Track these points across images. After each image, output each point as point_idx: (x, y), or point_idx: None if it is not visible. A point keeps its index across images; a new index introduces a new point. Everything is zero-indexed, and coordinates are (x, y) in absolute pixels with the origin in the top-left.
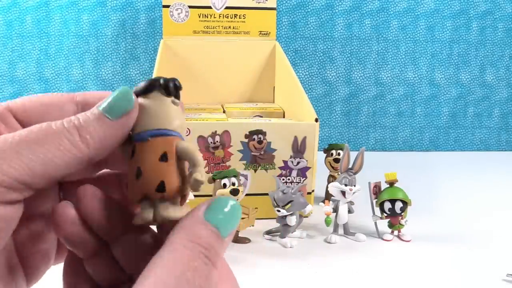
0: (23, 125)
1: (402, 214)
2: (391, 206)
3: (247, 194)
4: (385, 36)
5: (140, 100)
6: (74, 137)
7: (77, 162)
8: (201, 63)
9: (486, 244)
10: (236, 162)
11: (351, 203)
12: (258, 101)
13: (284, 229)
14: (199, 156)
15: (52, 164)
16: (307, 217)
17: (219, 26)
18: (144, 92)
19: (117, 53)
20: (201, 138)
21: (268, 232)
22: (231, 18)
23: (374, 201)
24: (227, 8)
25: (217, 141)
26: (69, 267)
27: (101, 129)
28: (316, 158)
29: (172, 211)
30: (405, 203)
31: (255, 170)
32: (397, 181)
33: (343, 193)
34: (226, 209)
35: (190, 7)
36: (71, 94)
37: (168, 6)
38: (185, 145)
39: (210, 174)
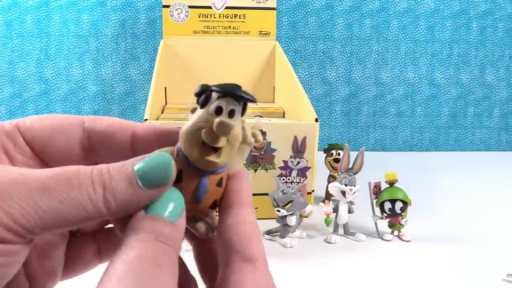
0: (29, 145)
1: (402, 214)
2: (391, 206)
3: None
4: (385, 36)
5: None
6: (97, 196)
7: (89, 220)
8: (201, 63)
9: (486, 244)
10: None
11: (351, 203)
12: (258, 101)
13: (284, 229)
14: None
15: (64, 219)
16: (307, 217)
17: (219, 26)
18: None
19: (117, 53)
20: None
21: (268, 232)
22: (231, 18)
23: (374, 201)
24: (227, 8)
25: None
26: None
27: (127, 193)
28: (316, 158)
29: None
30: (405, 203)
31: (255, 170)
32: (397, 181)
33: (343, 193)
34: (163, 197)
35: (190, 7)
36: (80, 118)
37: (168, 6)
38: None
39: None
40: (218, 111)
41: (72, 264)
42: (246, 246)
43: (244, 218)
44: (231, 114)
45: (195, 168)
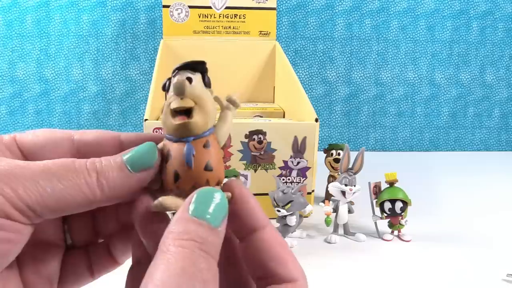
0: (25, 155)
1: (402, 214)
2: (391, 206)
3: None
4: (385, 36)
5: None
6: (92, 179)
7: (87, 204)
8: None
9: (486, 244)
10: (236, 162)
11: (351, 203)
12: (258, 101)
13: (284, 229)
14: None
15: (64, 200)
16: (307, 217)
17: (219, 26)
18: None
19: (117, 53)
20: None
21: None
22: (231, 18)
23: (374, 201)
24: (227, 8)
25: None
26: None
27: (118, 177)
28: (316, 158)
29: None
30: (405, 203)
31: (255, 170)
32: (397, 181)
33: (343, 193)
34: (209, 199)
35: (190, 7)
36: (69, 132)
37: (168, 6)
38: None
39: None
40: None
41: (65, 276)
42: (285, 269)
43: (271, 241)
44: (189, 81)
45: (179, 139)
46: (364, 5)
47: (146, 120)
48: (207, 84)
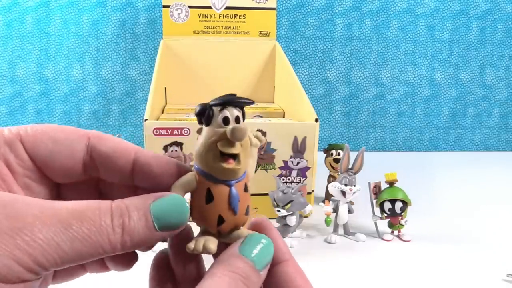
0: (31, 157)
1: (402, 214)
2: (391, 206)
3: None
4: (385, 36)
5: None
6: (116, 237)
7: (102, 256)
8: (201, 63)
9: (486, 244)
10: None
11: (351, 203)
12: (258, 101)
13: (284, 229)
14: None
15: (80, 257)
16: (307, 217)
17: (219, 26)
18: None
19: (117, 53)
20: None
21: None
22: (231, 18)
23: (374, 201)
24: (227, 8)
25: None
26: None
27: (143, 235)
28: (316, 158)
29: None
30: (405, 203)
31: (255, 170)
32: (397, 181)
33: (343, 193)
34: (259, 245)
35: (190, 7)
36: (85, 133)
37: (168, 6)
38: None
39: None
40: (225, 120)
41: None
42: None
43: (294, 273)
44: (237, 120)
45: (221, 181)
46: (364, 5)
47: (146, 120)
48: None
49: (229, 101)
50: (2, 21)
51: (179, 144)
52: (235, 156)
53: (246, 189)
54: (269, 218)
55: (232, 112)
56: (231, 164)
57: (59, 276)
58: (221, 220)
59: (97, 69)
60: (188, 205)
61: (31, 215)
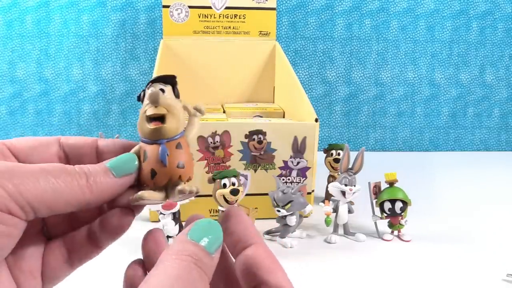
0: (16, 157)
1: (402, 214)
2: (391, 206)
3: (247, 194)
4: (385, 36)
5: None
6: (82, 180)
7: (77, 203)
8: (201, 63)
9: (486, 244)
10: (236, 162)
11: (351, 203)
12: (258, 101)
13: (284, 229)
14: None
15: (59, 199)
16: (307, 217)
17: (219, 26)
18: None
19: (117, 53)
20: (201, 138)
21: (268, 232)
22: (231, 18)
23: (374, 201)
24: (227, 8)
25: (217, 141)
26: None
27: (104, 180)
28: (316, 158)
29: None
30: (405, 203)
31: (255, 170)
32: (397, 181)
33: (343, 193)
34: (207, 228)
35: (190, 7)
36: (56, 137)
37: (168, 6)
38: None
39: (210, 174)
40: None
41: (47, 269)
42: (275, 277)
43: (264, 254)
44: (162, 92)
45: (154, 142)
46: (364, 5)
47: None
48: (176, 95)
49: (152, 80)
50: (2, 21)
51: None
52: (161, 119)
53: (179, 147)
54: (269, 218)
55: (155, 86)
56: (156, 125)
57: (76, 257)
58: (153, 172)
59: (97, 69)
60: (136, 156)
61: (11, 164)
